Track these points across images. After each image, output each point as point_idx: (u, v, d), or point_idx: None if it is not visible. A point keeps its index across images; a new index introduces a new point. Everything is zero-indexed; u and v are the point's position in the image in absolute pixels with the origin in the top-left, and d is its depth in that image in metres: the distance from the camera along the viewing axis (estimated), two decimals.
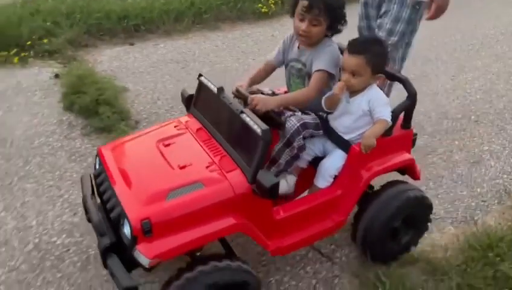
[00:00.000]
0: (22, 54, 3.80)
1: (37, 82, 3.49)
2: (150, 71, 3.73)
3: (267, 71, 2.08)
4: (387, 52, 1.87)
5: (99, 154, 1.82)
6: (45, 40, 3.94)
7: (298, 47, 1.97)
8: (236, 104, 1.72)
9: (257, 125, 1.58)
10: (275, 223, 1.73)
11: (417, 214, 2.01)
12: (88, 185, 1.82)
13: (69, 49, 3.96)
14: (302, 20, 1.84)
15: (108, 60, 3.90)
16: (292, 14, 1.90)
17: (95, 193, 1.79)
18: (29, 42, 3.90)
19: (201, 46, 4.19)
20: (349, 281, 1.98)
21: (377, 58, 1.81)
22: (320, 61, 1.87)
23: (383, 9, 2.37)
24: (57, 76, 3.56)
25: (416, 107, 1.93)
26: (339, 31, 1.92)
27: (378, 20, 2.39)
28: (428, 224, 2.09)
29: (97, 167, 1.83)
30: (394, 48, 2.37)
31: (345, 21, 1.89)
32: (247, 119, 1.63)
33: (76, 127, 2.98)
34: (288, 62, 2.02)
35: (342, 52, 1.89)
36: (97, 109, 3.01)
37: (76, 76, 3.27)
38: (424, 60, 4.09)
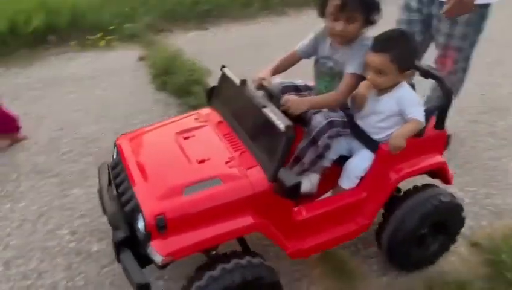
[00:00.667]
0: (107, 38, 4.07)
1: (124, 64, 3.71)
2: (226, 55, 3.70)
3: (292, 61, 1.97)
4: (415, 46, 1.74)
5: (116, 145, 1.77)
6: (126, 25, 4.20)
7: (331, 44, 1.86)
8: (259, 98, 1.64)
9: (280, 121, 1.50)
10: (295, 224, 1.65)
11: (448, 221, 1.89)
12: (105, 175, 1.78)
13: (147, 34, 4.20)
14: (336, 19, 1.72)
15: (186, 44, 4.03)
16: (321, 14, 1.79)
17: (112, 183, 1.75)
18: (111, 27, 4.15)
19: (271, 31, 4.28)
20: None
21: (403, 55, 1.68)
22: (354, 63, 1.76)
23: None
24: (141, 59, 3.80)
25: None
26: (375, 23, 1.80)
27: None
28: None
29: (114, 157, 1.79)
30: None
31: (380, 10, 1.77)
32: (270, 114, 1.54)
33: (171, 105, 3.12)
34: (318, 58, 1.92)
35: None
36: (189, 89, 3.15)
37: (165, 58, 3.52)
38: None
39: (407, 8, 2.41)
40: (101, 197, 1.71)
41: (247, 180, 1.53)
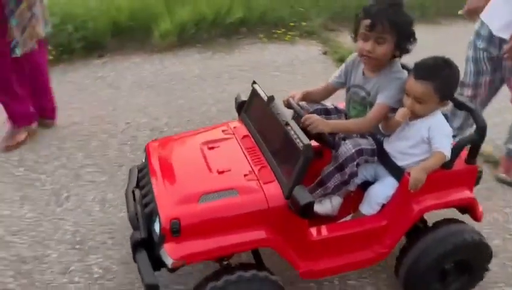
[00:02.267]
0: (290, 33, 4.51)
1: (310, 57, 4.01)
2: None
3: (326, 93, 2.00)
4: (458, 75, 1.70)
5: (146, 149, 1.86)
6: (303, 23, 4.63)
7: (363, 73, 1.85)
8: (284, 116, 1.66)
9: (299, 139, 1.51)
10: (309, 244, 1.65)
11: (472, 260, 1.80)
12: (134, 177, 1.86)
13: (323, 32, 4.62)
14: (365, 40, 1.72)
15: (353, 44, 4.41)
16: (355, 38, 1.80)
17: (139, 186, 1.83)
18: (291, 24, 4.59)
19: (428, 37, 4.34)
20: None
21: (446, 85, 1.65)
22: (386, 94, 1.74)
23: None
24: (325, 53, 4.20)
25: None
26: (407, 51, 1.78)
27: None
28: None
29: (143, 160, 1.87)
30: None
31: (415, 39, 1.75)
32: (291, 132, 1.57)
33: None
34: (350, 87, 1.92)
35: (409, 72, 1.76)
36: None
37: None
38: None
39: (474, 46, 2.41)
40: (126, 198, 1.79)
41: (262, 194, 1.55)
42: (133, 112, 3.16)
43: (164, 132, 2.91)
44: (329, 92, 2.00)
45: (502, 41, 2.22)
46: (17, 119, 2.80)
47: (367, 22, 1.69)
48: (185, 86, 3.54)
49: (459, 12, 2.46)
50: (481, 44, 2.34)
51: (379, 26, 1.67)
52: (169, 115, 3.14)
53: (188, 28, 4.13)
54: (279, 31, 4.53)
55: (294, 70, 3.86)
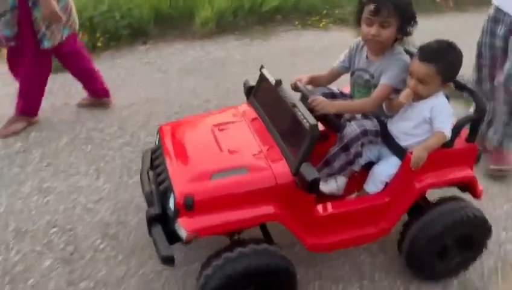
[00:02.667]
0: (324, 21, 4.77)
1: (345, 43, 4.09)
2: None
3: (331, 78, 2.07)
4: (461, 58, 1.76)
5: (159, 132, 1.95)
6: (336, 11, 4.89)
7: (367, 56, 1.93)
8: (291, 98, 1.74)
9: (306, 120, 1.59)
10: (316, 219, 1.73)
11: (472, 236, 1.88)
12: (148, 159, 1.96)
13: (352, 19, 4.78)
14: (370, 24, 1.79)
15: None
16: (358, 23, 1.86)
17: (153, 167, 1.92)
18: (324, 11, 4.87)
19: (454, 24, 4.57)
20: None
21: (449, 67, 1.72)
22: (389, 75, 1.82)
23: None
24: None
25: None
26: (409, 34, 1.85)
27: None
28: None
29: (156, 143, 1.97)
30: None
31: (416, 21, 1.82)
32: (298, 113, 1.64)
33: None
34: (354, 71, 1.99)
35: (411, 57, 1.83)
36: None
37: None
38: None
39: (491, 33, 2.49)
40: (141, 179, 1.88)
41: (271, 172, 1.63)
42: (185, 94, 3.37)
43: None
44: (334, 76, 2.07)
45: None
46: (25, 109, 2.92)
47: (371, 7, 1.75)
48: (229, 71, 3.73)
49: None
50: (502, 29, 2.42)
51: (384, 10, 1.74)
52: (218, 97, 3.34)
53: (226, 16, 4.35)
54: (313, 18, 4.74)
55: (331, 55, 3.81)
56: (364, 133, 1.78)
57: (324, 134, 2.01)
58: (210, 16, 4.26)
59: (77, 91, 3.23)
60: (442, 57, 1.69)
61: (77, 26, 2.91)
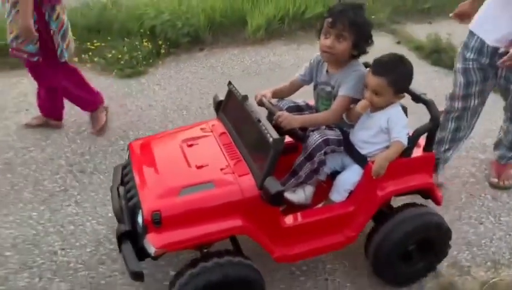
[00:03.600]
0: None
1: (386, 47, 3.89)
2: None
3: (292, 89, 2.15)
4: (411, 71, 1.86)
5: (129, 148, 1.98)
6: (372, 16, 4.85)
7: (327, 71, 2.01)
8: (256, 113, 1.80)
9: (270, 134, 1.65)
10: (282, 231, 1.79)
11: (434, 240, 1.96)
12: (118, 175, 1.99)
13: (390, 24, 5.08)
14: (327, 37, 1.88)
15: (420, 34, 4.66)
16: (318, 36, 1.94)
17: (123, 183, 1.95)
18: None
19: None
20: None
21: (400, 79, 1.81)
22: (346, 86, 1.90)
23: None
24: (398, 42, 4.65)
25: None
26: (364, 52, 1.93)
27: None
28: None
29: (126, 159, 1.99)
30: None
31: (372, 41, 1.91)
32: (263, 128, 1.70)
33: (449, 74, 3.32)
34: (317, 84, 2.07)
35: None
36: None
37: (432, 41, 4.36)
38: None
39: (463, 58, 2.39)
40: (112, 195, 1.91)
41: (237, 186, 1.68)
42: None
43: None
44: (295, 88, 2.15)
45: (495, 50, 2.24)
46: (85, 105, 3.05)
47: (329, 19, 1.85)
48: (286, 74, 3.74)
49: (450, 15, 2.52)
50: (471, 55, 2.33)
51: (339, 24, 1.82)
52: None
53: (273, 23, 4.64)
54: None
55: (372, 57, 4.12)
56: (326, 142, 1.85)
57: (293, 146, 2.07)
58: (261, 23, 4.54)
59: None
60: (393, 70, 1.79)
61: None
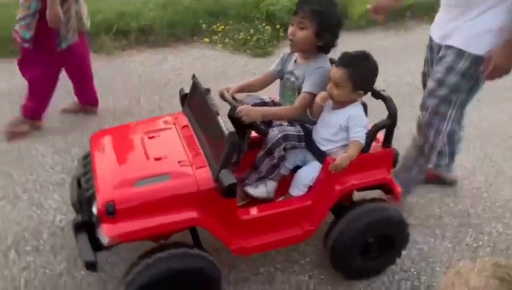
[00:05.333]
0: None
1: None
2: None
3: (264, 82, 2.15)
4: (375, 69, 1.88)
5: (90, 140, 1.98)
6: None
7: (295, 61, 2.02)
8: (216, 106, 1.81)
9: (226, 128, 1.66)
10: (239, 223, 1.80)
11: (392, 234, 1.99)
12: (81, 166, 1.98)
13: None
14: (292, 24, 1.91)
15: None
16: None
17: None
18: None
19: None
20: None
21: (361, 74, 1.83)
22: (310, 82, 1.92)
23: (440, 53, 2.15)
24: None
25: None
26: (330, 44, 1.95)
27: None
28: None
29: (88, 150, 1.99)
30: (445, 102, 2.13)
31: (336, 34, 1.92)
32: (220, 121, 1.71)
33: None
34: (284, 74, 2.09)
35: None
36: None
37: None
38: None
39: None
40: (71, 185, 1.91)
41: (194, 178, 1.69)
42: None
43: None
44: (268, 81, 2.15)
45: (439, 48, 2.21)
46: (29, 111, 2.97)
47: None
48: (395, 56, 4.35)
49: (367, 6, 2.40)
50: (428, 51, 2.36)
51: (300, 12, 1.86)
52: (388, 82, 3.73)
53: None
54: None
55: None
56: (285, 138, 1.87)
57: (257, 141, 2.09)
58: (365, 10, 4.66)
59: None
60: (356, 64, 1.82)
61: (87, 28, 2.99)
